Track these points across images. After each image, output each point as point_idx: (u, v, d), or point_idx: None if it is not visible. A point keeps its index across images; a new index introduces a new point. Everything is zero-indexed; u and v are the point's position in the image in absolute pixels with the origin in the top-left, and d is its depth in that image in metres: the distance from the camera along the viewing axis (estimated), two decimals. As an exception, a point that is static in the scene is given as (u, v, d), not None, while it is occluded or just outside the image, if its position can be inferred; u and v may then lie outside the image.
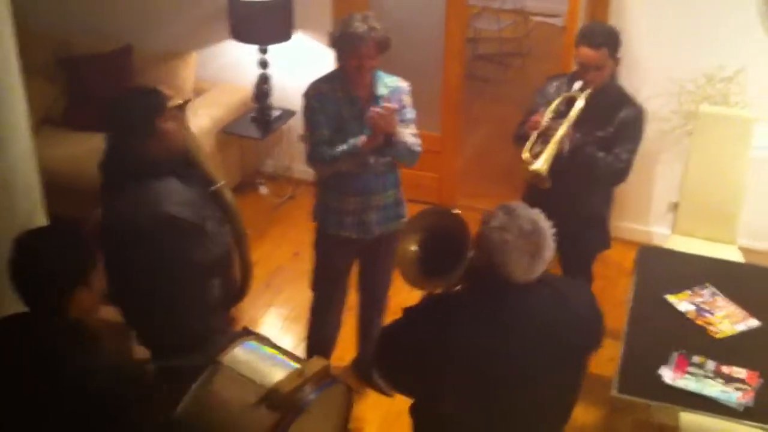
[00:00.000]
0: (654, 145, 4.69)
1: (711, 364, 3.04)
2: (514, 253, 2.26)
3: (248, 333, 3.05)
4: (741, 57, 4.40)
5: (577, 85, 3.53)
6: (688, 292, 3.41)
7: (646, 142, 4.61)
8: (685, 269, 3.59)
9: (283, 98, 5.23)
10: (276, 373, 2.83)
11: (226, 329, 3.17)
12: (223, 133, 5.13)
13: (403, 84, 3.50)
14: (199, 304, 3.00)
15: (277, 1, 4.88)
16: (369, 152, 3.36)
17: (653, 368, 3.03)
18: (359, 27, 3.24)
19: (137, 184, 2.82)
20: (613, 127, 3.54)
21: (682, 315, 3.31)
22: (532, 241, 2.27)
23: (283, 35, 4.99)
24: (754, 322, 3.27)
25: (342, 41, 3.29)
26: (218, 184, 3.08)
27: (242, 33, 4.94)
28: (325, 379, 2.88)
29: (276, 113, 5.24)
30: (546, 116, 3.50)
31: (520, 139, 3.55)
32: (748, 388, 2.95)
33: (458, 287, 2.45)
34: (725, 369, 3.02)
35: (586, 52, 3.49)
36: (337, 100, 3.39)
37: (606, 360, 3.56)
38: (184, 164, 2.99)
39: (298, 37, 5.10)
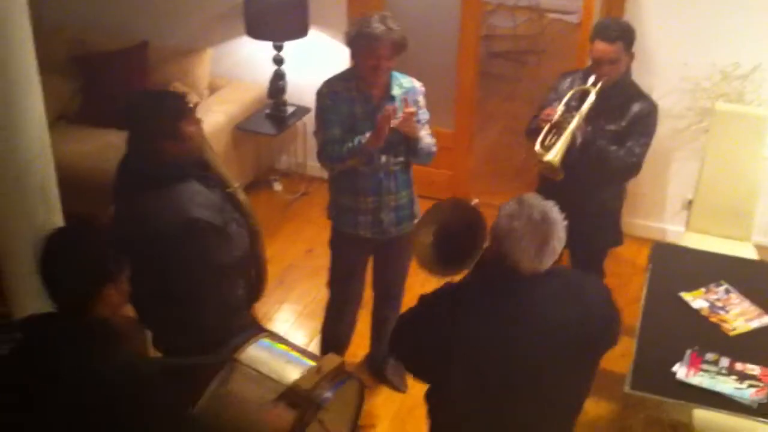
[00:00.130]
0: (669, 142, 4.68)
1: (725, 361, 3.03)
2: (521, 241, 2.28)
3: (261, 330, 3.06)
4: (757, 54, 4.38)
5: (591, 79, 3.53)
6: (703, 289, 3.41)
7: (661, 139, 4.63)
8: (699, 267, 3.58)
9: (297, 95, 5.24)
10: (291, 370, 2.84)
11: (248, 328, 3.17)
12: (237, 129, 5.15)
13: (417, 84, 3.50)
14: (221, 306, 2.99)
15: (292, -3, 4.91)
16: (381, 149, 3.37)
17: (667, 365, 3.02)
18: (377, 27, 3.23)
19: (160, 187, 2.82)
20: (625, 122, 3.55)
21: (696, 312, 3.30)
22: (540, 230, 2.28)
23: (299, 32, 5.01)
24: (768, 320, 3.26)
25: (359, 41, 3.28)
26: (233, 186, 3.09)
27: (257, 30, 4.96)
28: (340, 375, 2.90)
29: (290, 110, 5.25)
30: (558, 110, 3.52)
31: (532, 133, 3.57)
32: (762, 384, 2.94)
33: (469, 276, 2.48)
34: (739, 366, 3.01)
35: (601, 46, 3.49)
36: (351, 99, 3.39)
37: (619, 356, 3.55)
38: (204, 167, 3.00)
39: (313, 34, 5.11)
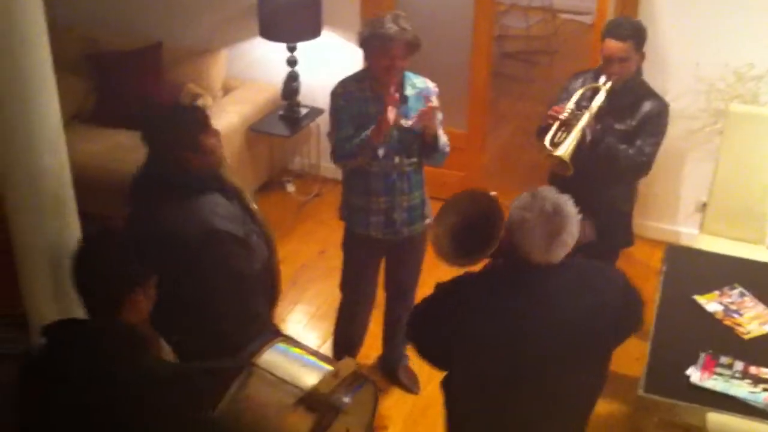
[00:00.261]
0: (682, 144, 4.66)
1: (739, 365, 3.02)
2: (532, 232, 2.32)
3: (277, 335, 3.07)
4: (772, 55, 4.36)
5: (602, 79, 3.55)
6: (717, 292, 3.39)
7: (675, 140, 4.62)
8: (713, 269, 3.57)
9: (310, 96, 5.25)
10: (308, 374, 2.84)
11: (265, 333, 3.17)
12: (251, 131, 5.16)
13: (431, 85, 3.50)
14: (242, 315, 2.99)
15: (306, -1, 4.92)
16: (394, 149, 3.37)
17: (680, 368, 3.02)
18: (390, 28, 3.24)
19: (182, 199, 2.82)
20: (635, 121, 3.56)
21: (710, 315, 3.28)
22: (551, 222, 2.31)
23: (312, 33, 5.02)
24: (782, 323, 3.25)
25: (372, 42, 3.28)
26: (249, 197, 3.10)
27: (271, 31, 4.97)
28: (357, 379, 2.91)
29: (304, 111, 5.26)
30: (568, 107, 3.54)
31: (542, 131, 3.58)
32: (776, 388, 2.94)
33: (487, 266, 2.54)
34: (753, 369, 3.00)
35: (612, 44, 3.50)
36: (365, 99, 3.40)
37: (632, 360, 3.55)
38: (221, 179, 3.01)
39: (327, 35, 5.12)
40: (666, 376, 3.03)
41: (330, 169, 5.45)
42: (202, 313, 2.90)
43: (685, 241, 4.72)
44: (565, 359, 2.40)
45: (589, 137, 3.47)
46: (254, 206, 3.14)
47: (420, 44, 3.33)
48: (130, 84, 5.28)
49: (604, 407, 3.73)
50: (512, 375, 2.42)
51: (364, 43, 3.33)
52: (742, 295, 3.38)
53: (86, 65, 5.43)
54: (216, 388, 2.76)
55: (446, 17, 5.08)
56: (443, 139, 3.44)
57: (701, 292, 3.38)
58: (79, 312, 3.06)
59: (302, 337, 4.19)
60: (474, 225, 2.54)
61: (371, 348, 4.03)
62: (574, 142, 3.43)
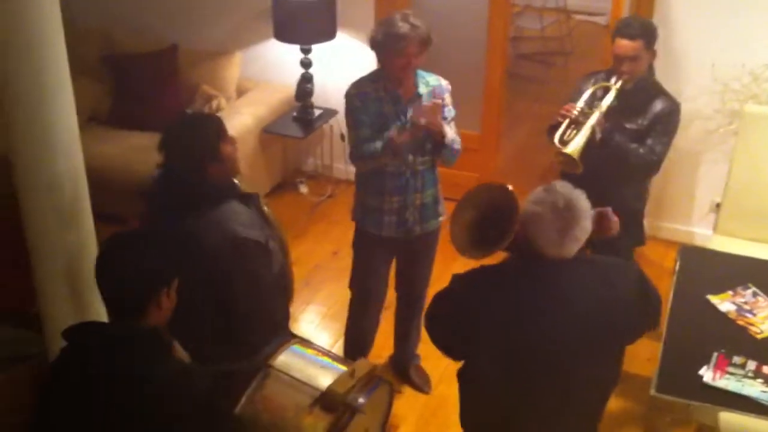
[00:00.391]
0: (697, 144, 4.65)
1: (752, 364, 3.01)
2: (544, 226, 2.35)
3: (292, 336, 3.09)
4: (788, 56, 4.34)
5: (614, 79, 3.57)
6: (730, 292, 3.38)
7: (690, 141, 4.60)
8: (726, 269, 3.55)
9: (324, 98, 5.27)
10: (323, 375, 2.86)
11: (280, 334, 3.18)
12: (265, 132, 5.19)
13: (443, 82, 3.51)
14: (262, 320, 3.01)
15: (321, 1, 4.93)
16: (408, 148, 3.38)
17: (693, 368, 3.00)
18: (402, 27, 3.25)
19: (202, 209, 2.83)
20: (646, 120, 3.58)
21: (723, 315, 3.27)
22: (563, 217, 2.34)
23: (326, 35, 5.03)
24: (796, 324, 3.23)
25: (387, 42, 3.28)
26: (263, 202, 3.11)
27: (285, 33, 4.98)
28: (373, 380, 2.92)
29: (317, 113, 5.28)
30: (578, 106, 3.56)
31: (553, 129, 3.60)
32: (789, 389, 2.92)
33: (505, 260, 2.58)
34: (766, 369, 2.98)
35: (622, 43, 3.52)
36: (380, 99, 3.41)
37: (645, 360, 3.55)
38: (237, 185, 3.01)
39: (341, 37, 5.13)
40: (679, 375, 3.02)
41: (343, 170, 5.48)
42: (224, 319, 2.91)
43: (699, 242, 4.70)
44: (578, 352, 2.42)
45: (598, 135, 3.48)
46: (268, 210, 3.16)
47: (432, 40, 3.33)
48: (146, 86, 5.32)
49: (617, 407, 3.72)
50: (525, 367, 2.44)
51: (378, 45, 3.34)
52: (755, 295, 3.36)
53: (103, 67, 5.48)
54: (233, 390, 2.78)
55: (461, 18, 5.09)
56: (451, 135, 3.43)
57: (714, 292, 3.37)
58: (93, 312, 3.11)
59: (314, 336, 4.21)
60: (491, 218, 2.58)
61: (383, 348, 4.04)
62: (584, 140, 3.45)
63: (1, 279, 3.61)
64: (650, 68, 3.66)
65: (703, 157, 4.71)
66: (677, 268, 3.55)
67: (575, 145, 3.45)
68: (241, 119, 5.01)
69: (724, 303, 3.33)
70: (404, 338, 3.95)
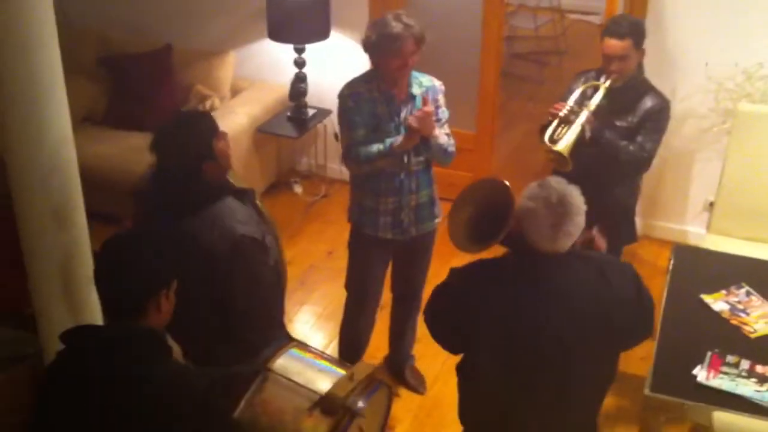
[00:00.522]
0: (691, 143, 4.66)
1: (745, 364, 3.02)
2: (537, 221, 2.38)
3: (290, 340, 3.08)
4: (781, 55, 4.35)
5: (603, 78, 3.61)
6: (723, 291, 3.39)
7: (683, 140, 4.61)
8: (720, 269, 3.56)
9: (318, 97, 5.27)
10: (322, 378, 2.86)
11: (278, 337, 3.17)
12: (259, 132, 5.18)
13: (437, 83, 3.50)
14: (262, 319, 3.00)
15: (315, 0, 4.93)
16: (404, 151, 3.38)
17: (687, 367, 3.01)
18: (396, 26, 3.24)
19: (200, 208, 2.81)
20: (636, 118, 3.61)
21: (716, 314, 3.28)
22: (556, 212, 2.37)
23: (320, 35, 5.03)
24: (789, 322, 3.24)
25: (382, 44, 3.26)
26: (258, 197, 3.11)
27: (279, 33, 4.98)
28: (372, 383, 2.92)
29: (311, 112, 5.28)
30: (568, 105, 3.59)
31: (544, 129, 3.62)
32: (783, 387, 2.93)
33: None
34: (759, 368, 3.00)
35: (611, 42, 3.56)
36: (373, 99, 3.40)
37: (639, 359, 3.55)
38: (230, 181, 3.00)
39: (335, 37, 5.13)
40: (672, 375, 3.03)
41: (337, 169, 5.48)
42: (221, 317, 2.90)
43: (692, 241, 4.71)
44: (575, 347, 2.44)
45: (588, 134, 3.52)
46: (261, 205, 3.15)
47: (425, 37, 3.32)
48: (141, 86, 5.32)
49: (611, 407, 3.73)
50: (523, 361, 2.46)
51: (373, 46, 3.31)
52: (748, 294, 3.37)
53: (98, 67, 5.48)
54: (231, 393, 2.78)
55: (455, 18, 5.09)
56: (443, 138, 3.43)
57: (708, 291, 3.38)
58: (87, 311, 3.10)
59: (309, 337, 4.21)
60: (488, 213, 2.60)
61: (378, 348, 4.04)
62: (573, 138, 3.50)
63: (-1, 280, 3.61)
64: (640, 66, 3.69)
65: (697, 155, 4.72)
66: (671, 267, 3.57)
67: (565, 143, 3.50)
68: (235, 119, 5.01)
69: (717, 302, 3.34)
70: (399, 339, 3.95)
